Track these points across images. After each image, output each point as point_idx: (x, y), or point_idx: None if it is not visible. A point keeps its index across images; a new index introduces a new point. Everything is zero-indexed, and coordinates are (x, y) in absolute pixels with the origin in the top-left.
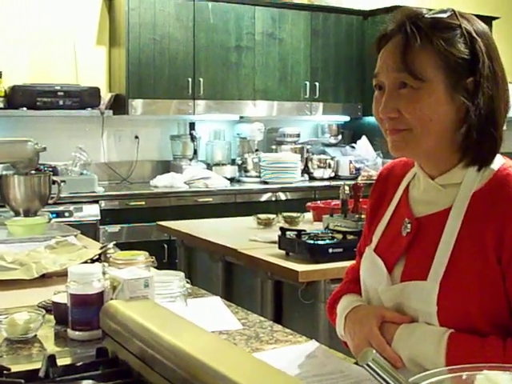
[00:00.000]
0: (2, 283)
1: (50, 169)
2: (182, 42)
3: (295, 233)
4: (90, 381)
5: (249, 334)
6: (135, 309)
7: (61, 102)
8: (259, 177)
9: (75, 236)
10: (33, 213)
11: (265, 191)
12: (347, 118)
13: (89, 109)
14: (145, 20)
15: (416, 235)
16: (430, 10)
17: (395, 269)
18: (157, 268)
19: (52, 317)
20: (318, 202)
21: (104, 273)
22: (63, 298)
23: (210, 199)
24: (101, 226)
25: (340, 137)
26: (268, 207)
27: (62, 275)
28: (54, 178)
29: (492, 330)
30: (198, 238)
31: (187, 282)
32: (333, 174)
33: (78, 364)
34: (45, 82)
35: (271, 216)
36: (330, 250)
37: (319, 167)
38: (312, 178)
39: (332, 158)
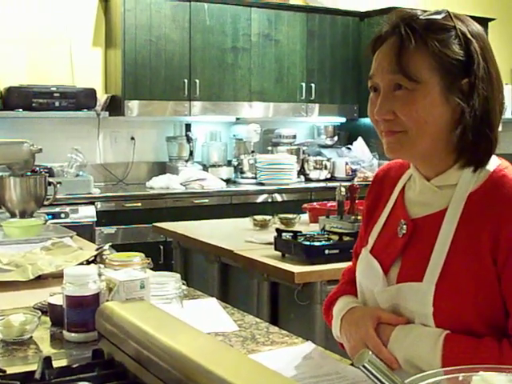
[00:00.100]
0: None
1: (46, 170)
2: (178, 44)
3: (291, 234)
4: (86, 382)
5: (245, 335)
6: (131, 310)
7: (57, 104)
8: (255, 178)
9: (71, 237)
10: (29, 214)
11: (261, 192)
12: (343, 120)
13: (85, 110)
14: (141, 21)
15: (412, 236)
16: (425, 11)
17: (391, 270)
18: (153, 269)
19: (48, 318)
20: (314, 203)
21: (100, 274)
22: (59, 300)
23: (206, 200)
24: (97, 228)
25: (336, 138)
26: (264, 208)
27: (57, 277)
28: (50, 180)
29: (487, 331)
30: (194, 239)
31: (183, 284)
32: (329, 176)
33: (74, 366)
34: (41, 83)
35: (267, 217)
36: (326, 252)
37: (315, 168)
38: (308, 180)
39: (328, 160)
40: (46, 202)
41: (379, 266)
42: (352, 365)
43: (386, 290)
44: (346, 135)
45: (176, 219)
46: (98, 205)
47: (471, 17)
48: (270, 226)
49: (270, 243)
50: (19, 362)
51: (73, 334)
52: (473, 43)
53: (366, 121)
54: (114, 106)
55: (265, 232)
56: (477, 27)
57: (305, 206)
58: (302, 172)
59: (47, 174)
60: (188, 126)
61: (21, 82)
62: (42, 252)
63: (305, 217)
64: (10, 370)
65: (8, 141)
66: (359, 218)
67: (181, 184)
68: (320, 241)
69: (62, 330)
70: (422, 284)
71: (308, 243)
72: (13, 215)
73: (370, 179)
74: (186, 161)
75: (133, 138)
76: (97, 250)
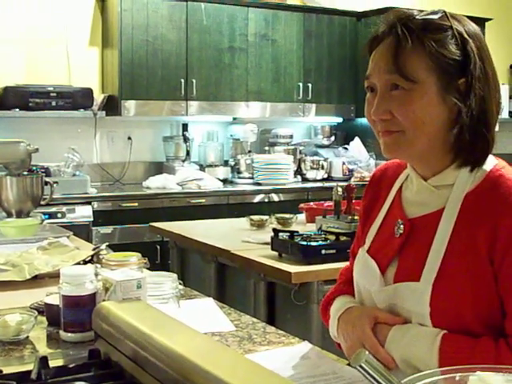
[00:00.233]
0: None
1: (43, 170)
2: (175, 43)
3: (288, 234)
4: (83, 382)
5: (241, 335)
6: (128, 310)
7: (53, 103)
8: (252, 178)
9: (68, 237)
10: (25, 214)
11: (258, 192)
12: (340, 120)
13: (81, 110)
14: (137, 21)
15: (409, 236)
16: (422, 11)
17: (388, 270)
18: (149, 269)
19: (44, 318)
20: (311, 203)
21: (96, 274)
22: (55, 300)
23: (203, 200)
24: (93, 227)
25: (333, 138)
26: (261, 208)
27: (54, 276)
28: (47, 179)
29: (484, 331)
30: (191, 239)
31: (180, 284)
32: (326, 176)
33: (71, 366)
34: (37, 82)
35: (264, 217)
36: (323, 252)
37: (312, 168)
38: (305, 180)
39: (325, 160)
40: (42, 202)
41: (376, 266)
42: (349, 365)
43: (383, 290)
44: (342, 135)
45: (173, 219)
46: (95, 204)
47: (468, 17)
48: (266, 225)
49: (266, 243)
50: (15, 362)
51: (69, 334)
52: (469, 43)
53: (363, 121)
54: (111, 106)
55: (261, 232)
56: (473, 27)
57: (301, 205)
58: (298, 172)
59: (44, 174)
60: (185, 126)
61: (17, 82)
62: (38, 252)
63: (301, 217)
64: (6, 370)
65: (5, 140)
66: (356, 217)
67: (177, 184)
68: (317, 241)
69: (58, 330)
70: (419, 284)
71: (305, 243)
72: (9, 215)
73: (367, 179)
74: (183, 161)
75: (129, 138)
76: (93, 249)
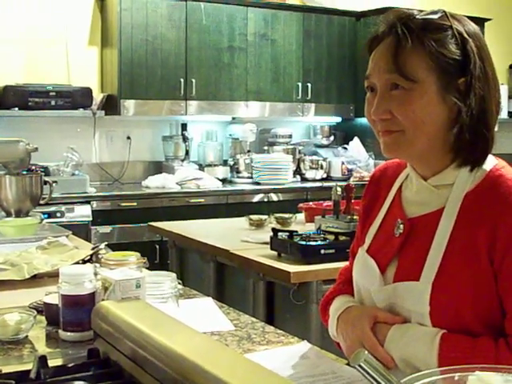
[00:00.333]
0: None
1: (42, 169)
2: (175, 43)
3: (287, 234)
4: (82, 382)
5: (241, 334)
6: (127, 310)
7: (53, 103)
8: (251, 178)
9: (67, 237)
10: (24, 213)
11: (257, 192)
12: (339, 119)
13: (81, 109)
14: (137, 20)
15: (408, 236)
16: (422, 11)
17: (388, 269)
18: (148, 269)
19: (43, 318)
20: (310, 202)
21: (95, 273)
22: (55, 299)
23: (202, 200)
24: (92, 227)
25: (332, 138)
26: (260, 208)
27: (53, 276)
28: (46, 179)
29: (484, 331)
30: (190, 238)
31: (179, 283)
32: (325, 175)
33: (70, 365)
34: (37, 82)
35: (263, 217)
36: (322, 251)
37: (311, 168)
38: (304, 179)
39: (324, 159)
40: (41, 201)
41: (376, 266)
42: (348, 364)
43: (382, 290)
44: (342, 135)
45: (172, 219)
46: (94, 204)
47: (468, 17)
48: (265, 225)
49: (265, 243)
50: (14, 362)
51: (68, 334)
52: (469, 42)
53: (363, 121)
54: (110, 106)
55: (261, 231)
56: (473, 27)
57: (301, 205)
58: (297, 172)
59: (43, 173)
60: (184, 126)
61: (17, 81)
62: (37, 251)
63: (301, 216)
64: (5, 369)
65: (4, 140)
66: (355, 217)
67: (177, 183)
68: (316, 240)
69: (57, 330)
70: (419, 283)
71: (304, 243)
72: (8, 214)
73: (366, 179)
74: (182, 160)
75: (129, 138)
76: (92, 249)
